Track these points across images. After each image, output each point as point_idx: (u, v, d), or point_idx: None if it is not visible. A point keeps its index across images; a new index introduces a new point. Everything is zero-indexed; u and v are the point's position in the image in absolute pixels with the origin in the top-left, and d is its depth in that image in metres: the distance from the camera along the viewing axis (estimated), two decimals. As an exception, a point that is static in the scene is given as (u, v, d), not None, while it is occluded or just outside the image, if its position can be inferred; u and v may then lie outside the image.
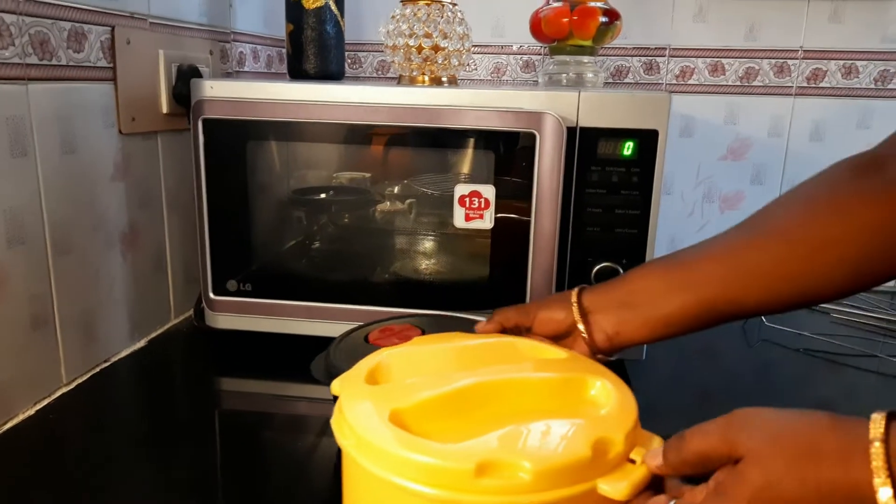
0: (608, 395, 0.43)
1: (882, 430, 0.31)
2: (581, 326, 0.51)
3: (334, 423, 0.40)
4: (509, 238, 0.70)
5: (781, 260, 0.45)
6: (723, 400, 0.52)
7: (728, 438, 0.35)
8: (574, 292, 0.52)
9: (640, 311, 0.49)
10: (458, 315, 0.65)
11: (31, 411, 0.62)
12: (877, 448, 0.30)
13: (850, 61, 1.05)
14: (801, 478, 0.32)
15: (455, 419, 0.40)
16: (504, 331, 0.56)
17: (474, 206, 0.70)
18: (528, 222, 0.68)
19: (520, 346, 0.51)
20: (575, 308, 0.51)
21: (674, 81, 1.09)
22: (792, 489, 0.32)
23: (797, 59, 1.06)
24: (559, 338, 0.53)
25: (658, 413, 0.54)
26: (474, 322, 0.57)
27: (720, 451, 0.35)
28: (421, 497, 0.35)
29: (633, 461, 0.38)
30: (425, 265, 0.77)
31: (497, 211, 0.70)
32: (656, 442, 0.40)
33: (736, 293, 0.47)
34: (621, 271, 0.69)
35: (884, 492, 0.30)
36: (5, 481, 0.53)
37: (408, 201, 0.76)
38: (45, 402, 0.64)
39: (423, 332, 0.59)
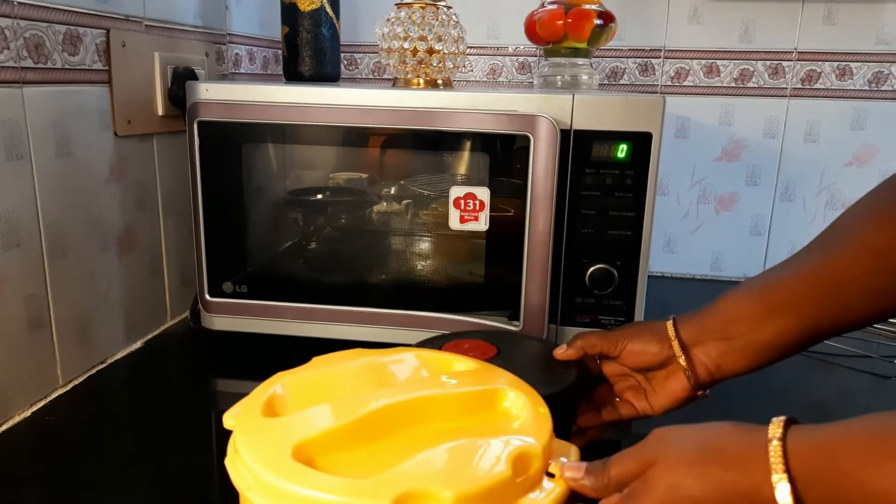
0: (521, 407, 0.42)
1: (780, 430, 0.32)
2: (683, 362, 0.49)
3: (229, 462, 0.37)
4: (504, 240, 0.70)
5: (872, 273, 0.44)
6: (716, 401, 0.52)
7: (642, 457, 0.36)
8: (670, 325, 0.51)
9: (738, 342, 0.48)
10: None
11: (28, 413, 0.62)
12: (775, 446, 0.32)
13: (845, 63, 1.06)
14: (703, 478, 0.33)
15: (366, 447, 0.37)
16: (586, 356, 0.55)
17: (469, 208, 0.70)
18: (523, 224, 0.69)
19: (425, 359, 0.49)
20: (675, 344, 0.50)
21: (669, 83, 1.10)
22: (695, 489, 0.33)
23: (792, 60, 1.07)
24: (649, 370, 0.52)
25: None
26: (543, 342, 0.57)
27: (635, 472, 0.36)
28: None
29: (551, 475, 0.38)
30: (421, 266, 0.77)
31: (492, 213, 0.70)
32: (573, 452, 0.40)
33: (832, 313, 0.46)
34: (616, 273, 0.70)
35: (781, 487, 0.31)
36: (2, 480, 0.53)
37: (404, 202, 0.77)
38: (41, 404, 0.64)
39: (499, 351, 0.56)
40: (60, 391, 0.67)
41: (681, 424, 0.37)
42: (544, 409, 0.42)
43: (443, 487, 0.33)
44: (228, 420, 0.40)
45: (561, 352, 0.55)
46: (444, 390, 0.43)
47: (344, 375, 0.45)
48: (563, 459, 0.39)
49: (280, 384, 0.43)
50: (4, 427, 0.60)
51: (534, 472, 0.36)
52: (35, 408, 0.63)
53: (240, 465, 0.36)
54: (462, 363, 0.48)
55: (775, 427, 0.33)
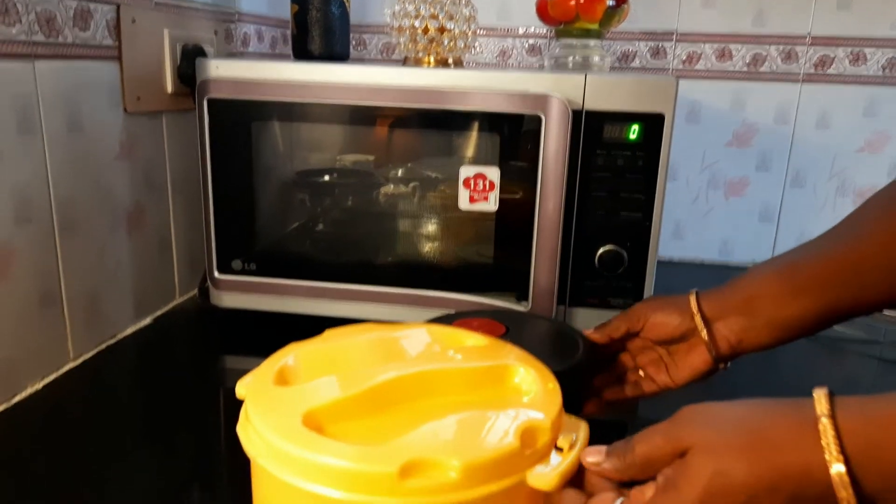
0: (532, 382, 0.42)
1: (827, 405, 0.31)
2: (705, 335, 0.50)
3: (240, 430, 0.37)
4: (513, 220, 0.70)
5: (893, 259, 0.45)
6: (721, 385, 0.52)
7: (672, 436, 0.34)
8: (692, 299, 0.51)
9: (761, 318, 0.48)
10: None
11: (39, 385, 0.63)
12: (825, 424, 0.30)
13: (859, 48, 1.05)
14: (752, 463, 0.31)
15: (375, 418, 0.37)
16: (612, 341, 0.55)
17: (479, 189, 0.70)
18: (533, 205, 0.69)
19: (436, 334, 0.49)
20: (698, 317, 0.50)
21: (680, 66, 1.09)
22: (743, 474, 0.31)
23: (805, 45, 1.06)
24: (671, 342, 0.53)
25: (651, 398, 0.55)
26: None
27: (665, 451, 0.34)
28: None
29: (560, 449, 0.37)
30: (429, 247, 0.77)
31: (502, 193, 0.70)
32: (583, 427, 0.39)
33: (853, 294, 0.46)
34: (625, 255, 0.69)
35: (836, 468, 0.29)
36: (14, 452, 0.54)
37: (412, 184, 0.77)
38: (52, 377, 0.65)
39: (508, 330, 0.56)
40: (71, 365, 0.67)
41: (709, 402, 0.35)
42: (554, 385, 0.42)
43: (450, 456, 0.33)
44: (240, 389, 0.40)
45: (589, 332, 0.56)
46: (454, 364, 0.43)
47: (355, 348, 0.45)
48: (574, 436, 0.38)
49: (292, 355, 0.43)
50: (17, 399, 0.60)
51: (542, 445, 0.36)
52: (46, 381, 0.64)
53: (251, 432, 0.36)
54: (473, 339, 0.48)
55: (821, 402, 0.31)
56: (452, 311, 0.63)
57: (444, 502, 0.33)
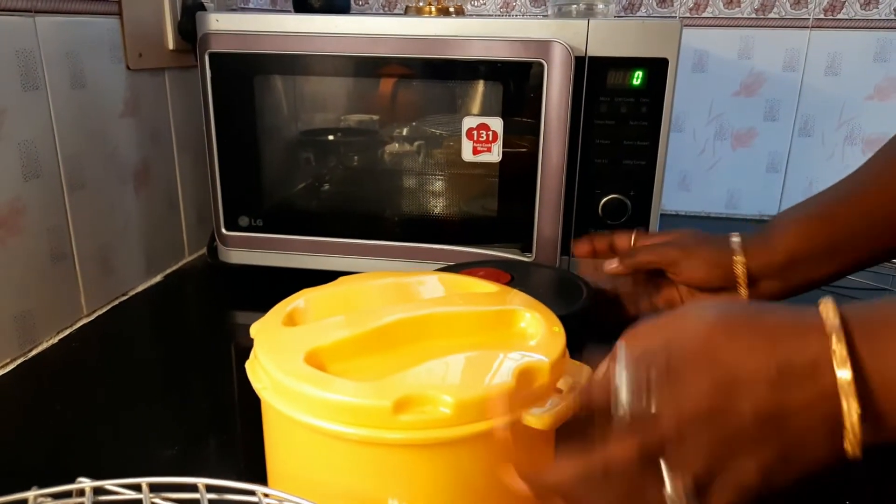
0: (538, 327, 0.42)
1: (831, 301, 0.28)
2: (744, 293, 0.49)
3: (249, 367, 0.39)
4: (517, 171, 0.70)
5: None
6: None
7: (659, 333, 0.31)
8: (739, 258, 0.49)
9: (797, 279, 0.49)
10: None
11: (55, 340, 0.65)
12: (827, 305, 0.28)
13: (870, -9, 1.02)
14: (755, 350, 0.28)
15: (378, 357, 0.38)
16: (635, 273, 0.54)
17: (482, 139, 0.70)
18: (536, 154, 0.69)
19: (447, 281, 0.49)
20: (743, 277, 0.49)
21: (687, 14, 1.07)
22: (751, 365, 0.28)
23: (815, -11, 1.03)
24: (707, 290, 0.52)
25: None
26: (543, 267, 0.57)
27: (650, 348, 0.31)
28: (339, 437, 0.33)
29: (559, 391, 0.37)
30: (434, 202, 0.77)
31: (505, 144, 0.70)
32: (585, 371, 0.39)
33: (880, 247, 0.47)
34: (629, 203, 0.70)
35: (839, 349, 0.27)
36: (32, 402, 0.55)
37: (416, 143, 0.76)
38: (67, 332, 0.66)
39: (513, 278, 0.57)
40: (85, 320, 0.69)
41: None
42: (559, 329, 0.42)
43: (444, 393, 0.34)
44: (253, 329, 0.41)
45: (613, 267, 0.55)
46: (460, 308, 0.43)
47: (365, 292, 0.46)
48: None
49: (303, 298, 0.44)
50: (34, 353, 0.62)
51: (539, 386, 0.36)
52: (62, 335, 0.66)
53: (258, 367, 0.38)
54: (482, 286, 0.49)
55: (826, 301, 0.29)
56: (451, 264, 0.64)
57: (437, 437, 0.33)
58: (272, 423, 0.38)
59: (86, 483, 0.30)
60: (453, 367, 0.37)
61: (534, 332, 0.42)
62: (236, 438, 0.52)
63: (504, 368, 0.36)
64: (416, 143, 0.76)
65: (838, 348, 0.27)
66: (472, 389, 0.34)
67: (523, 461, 0.37)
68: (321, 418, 0.34)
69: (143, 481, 0.30)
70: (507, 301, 0.45)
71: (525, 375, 0.36)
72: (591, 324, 0.56)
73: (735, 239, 0.51)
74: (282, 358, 0.37)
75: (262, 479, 0.40)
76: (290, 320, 0.42)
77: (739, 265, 0.49)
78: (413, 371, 0.36)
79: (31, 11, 0.59)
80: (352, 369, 0.37)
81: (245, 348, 0.40)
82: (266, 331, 0.40)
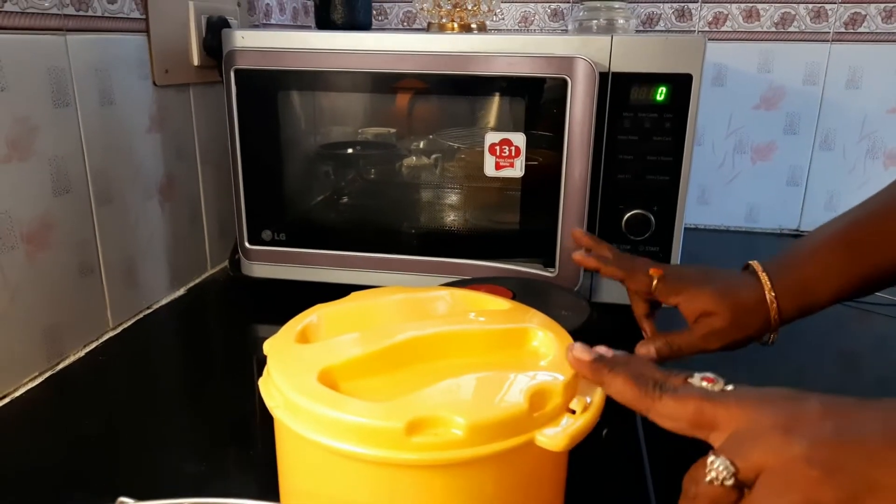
0: (550, 346, 0.41)
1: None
2: (774, 316, 0.49)
3: (262, 384, 0.38)
4: (539, 186, 0.70)
5: None
6: (747, 351, 0.52)
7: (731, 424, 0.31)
8: (772, 304, 0.48)
9: (819, 298, 0.48)
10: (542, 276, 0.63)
11: (82, 353, 0.65)
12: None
13: (891, 5, 1.02)
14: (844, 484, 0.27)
15: (390, 376, 0.38)
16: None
17: (505, 155, 0.70)
18: (559, 170, 0.69)
19: (461, 298, 0.49)
20: (776, 321, 0.49)
21: (706, 28, 1.07)
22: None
23: (835, 3, 1.03)
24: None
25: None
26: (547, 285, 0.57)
27: (700, 425, 0.32)
28: (351, 457, 0.33)
29: (573, 411, 0.37)
30: (455, 215, 0.78)
31: (528, 159, 0.70)
32: (598, 392, 0.39)
33: (892, 264, 0.47)
34: (652, 219, 0.69)
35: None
36: (59, 416, 0.56)
37: (434, 156, 0.77)
38: (94, 345, 0.67)
39: (514, 296, 0.56)
40: (111, 333, 0.69)
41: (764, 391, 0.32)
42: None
43: (457, 414, 0.33)
44: (266, 346, 0.41)
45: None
46: (472, 326, 0.43)
47: (378, 308, 0.46)
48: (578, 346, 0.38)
49: (316, 314, 0.44)
50: (61, 366, 0.63)
51: (552, 407, 0.36)
52: (88, 348, 0.66)
53: (271, 386, 0.38)
54: (495, 303, 0.48)
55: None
56: (464, 278, 0.64)
57: (449, 459, 0.33)
58: (285, 441, 0.38)
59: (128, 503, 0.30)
60: (466, 388, 0.37)
61: (546, 352, 0.42)
62: (258, 452, 0.52)
63: (516, 389, 0.36)
64: (433, 157, 0.77)
65: None
66: (485, 411, 0.34)
67: (537, 482, 0.37)
68: (333, 438, 0.34)
69: (185, 502, 0.30)
70: (520, 319, 0.45)
71: (538, 396, 0.36)
72: (597, 339, 0.56)
73: (770, 288, 0.49)
74: (294, 376, 0.37)
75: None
76: (303, 337, 0.42)
77: (773, 312, 0.48)
78: (426, 391, 0.36)
79: (62, 30, 0.60)
80: (364, 388, 0.37)
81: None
82: (279, 348, 0.40)
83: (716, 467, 0.29)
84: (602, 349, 0.38)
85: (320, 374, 0.36)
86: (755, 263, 0.50)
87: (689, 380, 0.34)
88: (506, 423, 0.34)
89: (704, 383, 0.33)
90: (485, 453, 0.33)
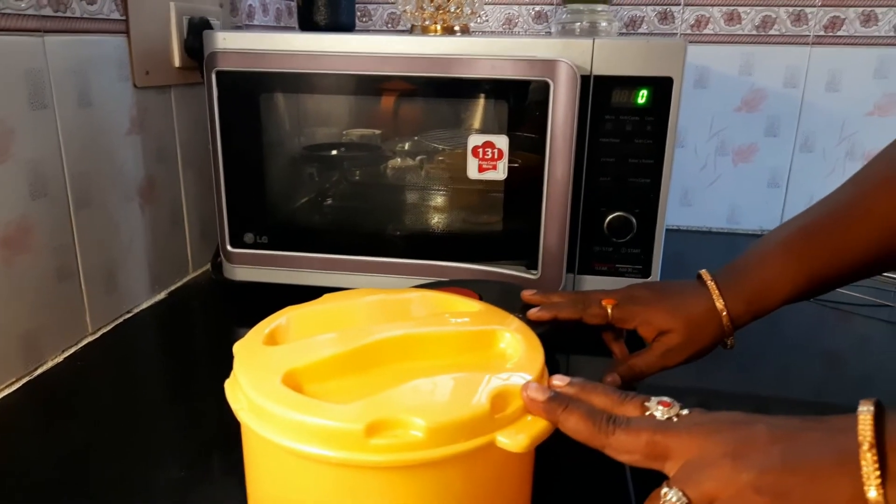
0: (517, 348, 0.42)
1: (871, 432, 0.28)
2: (726, 324, 0.49)
3: (228, 386, 0.39)
4: (522, 188, 0.70)
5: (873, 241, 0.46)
6: (733, 353, 0.52)
7: (673, 447, 0.32)
8: (715, 293, 0.49)
9: (769, 303, 0.49)
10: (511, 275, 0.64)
11: (60, 358, 0.64)
12: (866, 455, 0.27)
13: (870, 8, 1.03)
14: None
15: (357, 378, 0.38)
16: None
17: (488, 157, 0.70)
18: (542, 172, 0.69)
19: (432, 300, 0.49)
20: (722, 311, 0.49)
21: (689, 31, 1.08)
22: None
23: (815, 6, 1.04)
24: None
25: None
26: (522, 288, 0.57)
27: (654, 455, 0.33)
28: (313, 459, 0.33)
29: None
30: (438, 218, 0.78)
31: (510, 162, 0.70)
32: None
33: (839, 272, 0.48)
34: (634, 221, 0.70)
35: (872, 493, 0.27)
36: (38, 422, 0.55)
37: (419, 157, 0.77)
38: (72, 350, 0.66)
39: (481, 298, 0.56)
40: (90, 338, 0.69)
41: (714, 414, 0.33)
42: (539, 352, 0.42)
43: (417, 416, 0.34)
44: (235, 348, 0.41)
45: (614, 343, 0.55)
46: (440, 328, 0.43)
47: (349, 310, 0.46)
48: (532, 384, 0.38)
49: (286, 316, 0.44)
50: (39, 371, 0.62)
51: (514, 409, 0.36)
52: (67, 353, 0.65)
53: (236, 388, 0.38)
54: (466, 305, 0.48)
55: (865, 425, 0.28)
56: (433, 280, 0.63)
57: (410, 460, 0.33)
58: (250, 444, 0.38)
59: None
60: (429, 390, 0.37)
61: (512, 353, 0.42)
62: (240, 457, 0.51)
63: (479, 390, 0.36)
64: (418, 158, 0.77)
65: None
66: (446, 413, 0.34)
67: (499, 483, 0.37)
68: (296, 440, 0.34)
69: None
70: (489, 321, 0.45)
71: (500, 398, 0.36)
72: (565, 340, 0.56)
73: (720, 303, 0.49)
74: (259, 378, 0.37)
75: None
76: (272, 339, 0.42)
77: (726, 321, 0.49)
78: (388, 393, 0.36)
79: (40, 31, 0.59)
80: (329, 390, 0.37)
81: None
82: (246, 350, 0.40)
83: (669, 498, 0.30)
84: (558, 380, 0.39)
85: (285, 377, 0.37)
86: (704, 273, 0.51)
87: (646, 403, 0.35)
88: (466, 424, 0.34)
89: (661, 407, 0.34)
90: (445, 455, 0.33)
